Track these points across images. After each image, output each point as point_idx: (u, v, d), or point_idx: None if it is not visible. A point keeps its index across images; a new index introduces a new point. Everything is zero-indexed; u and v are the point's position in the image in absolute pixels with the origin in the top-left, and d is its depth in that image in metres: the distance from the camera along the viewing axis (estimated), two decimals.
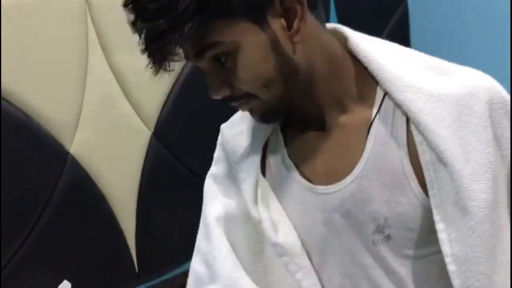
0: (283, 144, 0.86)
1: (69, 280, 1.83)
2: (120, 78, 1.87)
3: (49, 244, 1.80)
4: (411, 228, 0.75)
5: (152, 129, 1.98)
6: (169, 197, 2.09)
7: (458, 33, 2.25)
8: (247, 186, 0.87)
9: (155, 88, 1.96)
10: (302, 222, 0.84)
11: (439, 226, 0.71)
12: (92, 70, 1.81)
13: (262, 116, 0.79)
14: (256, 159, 0.87)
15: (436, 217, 0.71)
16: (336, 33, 0.81)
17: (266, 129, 0.87)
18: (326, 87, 0.78)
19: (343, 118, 0.79)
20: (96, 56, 1.81)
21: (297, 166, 0.84)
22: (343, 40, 0.80)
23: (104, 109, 1.86)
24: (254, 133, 0.88)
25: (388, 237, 0.75)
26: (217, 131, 2.12)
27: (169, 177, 2.06)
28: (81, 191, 1.84)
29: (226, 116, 2.16)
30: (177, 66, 2.08)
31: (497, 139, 0.72)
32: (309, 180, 0.82)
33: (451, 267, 0.70)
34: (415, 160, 0.73)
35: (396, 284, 0.78)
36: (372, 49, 0.77)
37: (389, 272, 0.78)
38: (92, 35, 1.79)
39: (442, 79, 0.73)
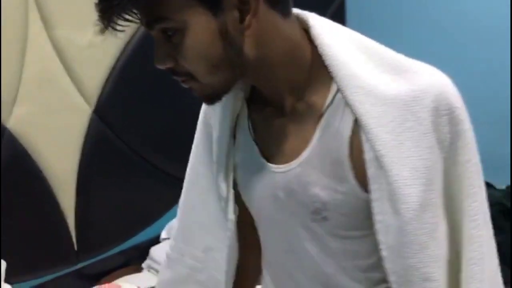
0: (247, 118, 0.89)
1: (5, 259, 1.79)
2: (61, 53, 1.84)
3: None
4: (347, 214, 0.79)
5: (93, 106, 1.96)
6: (110, 175, 2.08)
7: (393, 27, 2.32)
8: (219, 165, 0.92)
9: (97, 65, 1.94)
10: (255, 195, 0.89)
11: (376, 217, 0.75)
12: (32, 44, 1.76)
13: (202, 97, 0.82)
14: (226, 136, 0.90)
15: (375, 209, 0.75)
16: (300, 21, 0.81)
17: (235, 103, 0.90)
18: (283, 75, 0.79)
19: (298, 106, 0.81)
20: (36, 29, 1.77)
21: (257, 143, 0.87)
22: (307, 28, 0.80)
23: (44, 85, 1.82)
24: (226, 106, 0.90)
25: (324, 218, 0.80)
26: (159, 110, 2.13)
27: (110, 154, 2.05)
28: (18, 167, 1.81)
29: (168, 95, 2.17)
30: (119, 42, 2.07)
31: (440, 142, 0.74)
32: (265, 157, 0.86)
33: (384, 253, 0.76)
34: (357, 155, 0.76)
35: (330, 257, 0.83)
36: (332, 42, 0.77)
37: (324, 247, 0.83)
38: (32, 7, 1.75)
39: (395, 79, 0.75)
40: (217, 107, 0.90)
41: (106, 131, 2.01)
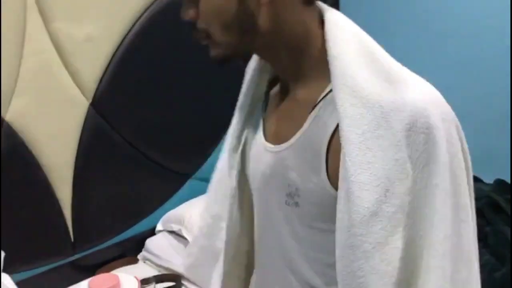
0: (264, 94, 0.95)
1: (2, 249, 1.82)
2: (59, 46, 1.86)
3: None
4: (316, 204, 0.81)
5: (90, 99, 1.98)
6: (106, 167, 2.10)
7: (388, 23, 2.33)
8: (233, 135, 0.97)
9: (94, 58, 1.96)
10: (251, 169, 0.95)
11: (337, 215, 0.76)
12: (30, 37, 1.78)
13: (214, 57, 0.84)
14: (245, 109, 0.95)
15: (338, 207, 0.76)
16: (320, 14, 0.83)
17: (261, 82, 0.95)
18: (291, 59, 0.83)
19: (299, 92, 0.84)
20: (35, 22, 1.78)
21: (264, 120, 0.93)
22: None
23: (42, 78, 1.84)
24: (252, 82, 0.94)
25: (296, 204, 0.83)
26: (156, 104, 2.15)
27: (106, 147, 2.07)
28: (16, 159, 1.83)
29: (165, 89, 2.18)
30: (116, 36, 2.06)
31: (412, 161, 0.73)
32: (265, 135, 0.91)
33: (337, 251, 0.77)
34: (335, 152, 0.77)
35: (297, 243, 0.87)
36: (338, 39, 0.79)
37: (293, 232, 0.87)
38: (31, 1, 1.76)
39: (385, 87, 0.75)
40: (246, 81, 0.95)
41: (103, 123, 2.03)
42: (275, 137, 0.88)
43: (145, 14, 2.04)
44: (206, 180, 2.59)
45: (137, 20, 2.02)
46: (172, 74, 2.22)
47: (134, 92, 2.12)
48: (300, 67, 0.83)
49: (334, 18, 0.82)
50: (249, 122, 0.96)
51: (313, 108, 0.81)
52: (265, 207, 0.92)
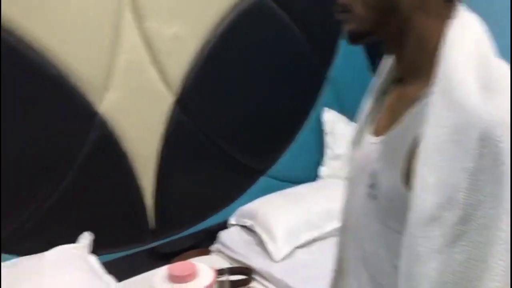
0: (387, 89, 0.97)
1: (91, 232, 1.94)
2: (149, 44, 1.96)
3: (74, 197, 1.91)
4: (390, 200, 0.81)
5: (175, 96, 2.07)
6: (187, 161, 2.18)
7: None
8: (359, 123, 0.99)
9: (181, 56, 2.05)
10: (352, 156, 0.98)
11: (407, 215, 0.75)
12: (123, 35, 1.89)
13: (349, 32, 0.86)
14: (373, 98, 0.98)
15: (410, 207, 0.74)
16: (453, 12, 0.81)
17: (388, 77, 0.95)
18: (412, 54, 0.83)
19: (409, 88, 0.85)
20: (128, 22, 1.90)
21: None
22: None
23: (132, 73, 1.94)
24: (384, 77, 0.97)
25: (374, 197, 0.84)
26: (237, 103, 2.22)
27: (188, 141, 2.15)
28: (106, 148, 1.94)
29: (247, 90, 2.25)
30: (202, 36, 2.13)
31: (484, 174, 0.69)
32: (373, 128, 0.93)
33: (402, 252, 0.75)
34: (416, 153, 0.76)
35: (371, 237, 0.87)
36: (455, 41, 0.77)
37: (370, 225, 0.87)
38: (126, 1, 1.88)
39: (480, 93, 0.72)
40: (378, 78, 0.98)
41: (185, 119, 2.12)
42: (378, 130, 0.90)
43: (231, 14, 2.11)
44: (277, 178, 2.62)
45: (222, 20, 2.09)
46: (253, 74, 2.27)
47: (216, 89, 2.19)
48: (418, 62, 0.83)
49: (460, 20, 0.80)
50: (372, 116, 0.97)
51: (413, 105, 0.81)
52: (352, 196, 0.95)
